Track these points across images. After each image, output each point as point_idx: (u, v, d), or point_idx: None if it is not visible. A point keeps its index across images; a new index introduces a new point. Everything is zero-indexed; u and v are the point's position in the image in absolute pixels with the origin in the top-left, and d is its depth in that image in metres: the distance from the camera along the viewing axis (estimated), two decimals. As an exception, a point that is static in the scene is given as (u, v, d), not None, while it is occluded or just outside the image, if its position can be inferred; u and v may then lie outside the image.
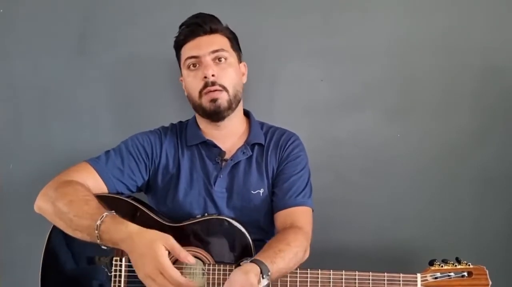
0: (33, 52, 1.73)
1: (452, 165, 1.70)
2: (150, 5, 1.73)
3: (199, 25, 1.38)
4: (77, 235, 1.15)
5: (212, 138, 1.42)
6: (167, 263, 1.02)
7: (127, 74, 1.75)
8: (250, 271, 1.07)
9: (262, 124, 1.51)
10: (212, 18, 1.41)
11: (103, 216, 1.11)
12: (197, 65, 1.37)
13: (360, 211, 1.72)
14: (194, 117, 1.50)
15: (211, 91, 1.34)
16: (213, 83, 1.34)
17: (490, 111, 1.69)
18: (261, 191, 1.39)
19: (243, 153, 1.41)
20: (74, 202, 1.17)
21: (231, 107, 1.38)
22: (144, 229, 1.09)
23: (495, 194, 1.69)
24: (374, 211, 1.72)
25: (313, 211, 1.39)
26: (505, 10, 1.67)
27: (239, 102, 1.43)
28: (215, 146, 1.41)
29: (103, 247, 1.13)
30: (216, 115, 1.37)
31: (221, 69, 1.36)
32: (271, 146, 1.43)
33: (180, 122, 1.52)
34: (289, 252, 1.17)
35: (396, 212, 1.71)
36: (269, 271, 1.09)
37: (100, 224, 1.09)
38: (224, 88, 1.36)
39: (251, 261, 1.11)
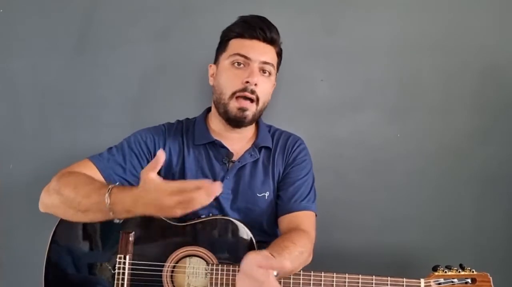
0: (33, 51, 1.73)
1: (452, 165, 1.70)
2: (150, 5, 1.73)
3: (263, 29, 1.37)
4: (89, 216, 1.14)
5: (221, 138, 1.41)
6: (163, 183, 1.02)
7: (127, 74, 1.74)
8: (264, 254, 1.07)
9: (269, 127, 1.51)
10: (275, 30, 1.40)
11: (109, 188, 1.10)
12: (242, 66, 1.35)
13: (360, 211, 1.72)
14: (203, 115, 1.48)
15: (246, 97, 1.33)
16: (252, 91, 1.34)
17: (490, 111, 1.69)
18: (267, 194, 1.39)
19: (251, 155, 1.41)
20: (79, 185, 1.17)
21: (253, 120, 1.39)
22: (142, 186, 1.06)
23: (495, 194, 1.70)
24: (374, 211, 1.72)
25: (316, 215, 1.39)
26: (505, 10, 1.68)
27: (260, 115, 1.43)
28: (223, 146, 1.40)
29: (116, 221, 1.13)
30: (237, 123, 1.37)
31: (262, 81, 1.36)
32: (278, 149, 1.43)
33: (187, 119, 1.50)
34: (294, 250, 1.17)
35: (396, 212, 1.71)
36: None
37: (109, 196, 1.08)
38: (257, 100, 1.35)
39: None
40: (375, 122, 1.72)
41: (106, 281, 1.24)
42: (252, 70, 1.34)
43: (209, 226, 1.26)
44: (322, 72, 1.73)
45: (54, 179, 1.24)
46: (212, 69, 1.45)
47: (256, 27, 1.36)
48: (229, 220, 1.27)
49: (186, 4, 1.71)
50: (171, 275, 1.22)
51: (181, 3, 1.72)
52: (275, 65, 1.41)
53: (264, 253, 1.05)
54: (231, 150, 1.40)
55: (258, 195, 1.38)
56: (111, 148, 1.37)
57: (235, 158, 1.40)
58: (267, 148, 1.43)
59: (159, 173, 1.36)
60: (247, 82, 1.33)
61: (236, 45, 1.37)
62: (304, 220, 1.34)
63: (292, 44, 1.71)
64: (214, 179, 1.37)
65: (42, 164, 1.70)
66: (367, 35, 1.71)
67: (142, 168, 1.34)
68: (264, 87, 1.36)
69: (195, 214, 1.31)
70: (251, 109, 1.35)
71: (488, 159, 1.70)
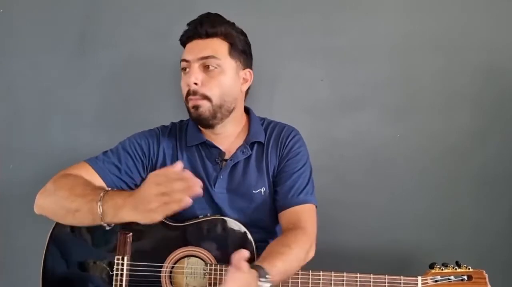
0: (33, 52, 1.73)
1: (452, 165, 1.70)
2: (150, 5, 1.73)
3: (195, 27, 1.34)
4: (78, 216, 1.14)
5: (211, 139, 1.41)
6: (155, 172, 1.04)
7: (127, 74, 1.75)
8: (248, 273, 1.06)
9: (263, 120, 1.48)
10: (213, 20, 1.35)
11: (107, 189, 1.14)
12: (188, 70, 1.34)
13: (360, 211, 1.72)
14: None
15: (191, 99, 1.32)
16: (194, 92, 1.31)
17: (491, 111, 1.69)
18: (262, 190, 1.37)
19: (243, 152, 1.39)
20: (75, 186, 1.18)
21: (215, 117, 1.33)
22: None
23: (495, 194, 1.69)
24: (374, 211, 1.72)
25: (316, 207, 1.38)
26: (506, 10, 1.68)
27: (229, 111, 1.37)
28: (214, 146, 1.40)
29: (105, 226, 1.12)
30: (200, 121, 1.35)
31: (209, 77, 1.31)
32: (271, 142, 1.41)
33: (181, 121, 1.50)
34: (289, 254, 1.17)
35: (396, 212, 1.71)
36: (267, 273, 1.08)
37: (103, 195, 1.10)
38: (206, 97, 1.31)
39: (250, 267, 1.08)
40: (375, 122, 1.71)
41: (104, 282, 1.23)
42: (190, 72, 1.32)
43: (206, 226, 1.26)
44: (322, 72, 1.72)
45: (50, 181, 1.25)
46: None
47: (193, 29, 1.35)
48: (226, 219, 1.27)
49: (186, 4, 1.71)
50: (170, 276, 1.22)
51: (181, 3, 1.72)
52: (222, 55, 1.33)
53: (249, 280, 1.05)
54: (222, 149, 1.39)
55: (254, 191, 1.36)
56: (106, 151, 1.38)
57: (227, 156, 1.39)
58: (259, 143, 1.41)
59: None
60: (188, 85, 1.32)
61: (183, 52, 1.37)
62: (303, 214, 1.32)
63: (292, 44, 1.72)
64: (208, 180, 1.37)
65: (42, 164, 1.71)
66: (367, 35, 1.71)
67: (137, 170, 1.37)
68: (210, 82, 1.32)
69: (192, 215, 1.32)
70: (204, 106, 1.31)
71: (488, 159, 1.69)
